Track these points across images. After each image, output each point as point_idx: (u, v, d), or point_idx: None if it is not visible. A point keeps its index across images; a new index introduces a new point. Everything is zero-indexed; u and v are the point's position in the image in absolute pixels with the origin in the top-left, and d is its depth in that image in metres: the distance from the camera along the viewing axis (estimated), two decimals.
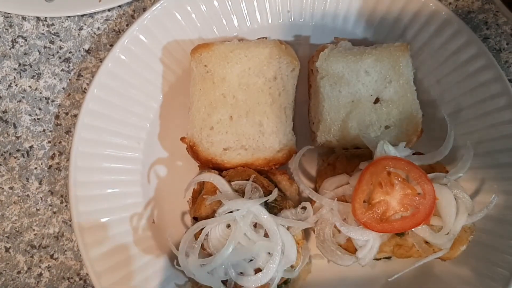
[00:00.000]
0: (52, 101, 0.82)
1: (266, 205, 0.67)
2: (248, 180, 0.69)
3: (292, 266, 0.68)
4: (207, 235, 0.66)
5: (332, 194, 0.69)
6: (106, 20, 0.83)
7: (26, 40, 0.83)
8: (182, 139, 0.73)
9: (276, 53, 0.74)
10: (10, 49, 0.83)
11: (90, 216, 0.72)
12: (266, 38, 0.76)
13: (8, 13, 0.82)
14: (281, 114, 0.73)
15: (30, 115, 0.81)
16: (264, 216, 0.65)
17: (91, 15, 0.83)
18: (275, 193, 0.67)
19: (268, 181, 0.72)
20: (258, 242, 0.64)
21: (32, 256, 0.78)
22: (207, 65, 0.73)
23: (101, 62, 0.75)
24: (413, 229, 0.65)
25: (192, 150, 0.72)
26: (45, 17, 0.83)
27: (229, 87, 0.73)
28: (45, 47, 0.83)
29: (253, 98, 0.73)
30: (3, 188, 0.80)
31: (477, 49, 0.74)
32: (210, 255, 0.66)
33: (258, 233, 0.65)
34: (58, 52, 0.83)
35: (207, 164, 0.73)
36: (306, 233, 0.74)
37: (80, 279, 0.78)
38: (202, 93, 0.73)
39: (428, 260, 0.67)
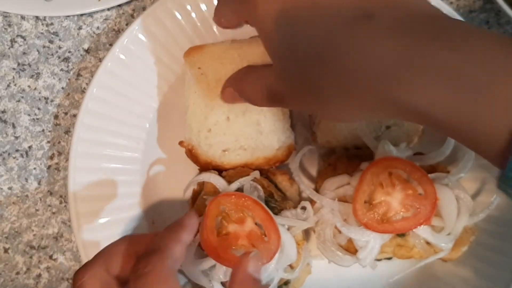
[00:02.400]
0: (51, 101, 0.81)
1: (267, 205, 0.66)
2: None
3: (292, 267, 0.68)
4: None
5: (332, 195, 0.68)
6: (105, 19, 0.83)
7: (25, 40, 0.82)
8: (181, 143, 0.72)
9: None
10: (9, 48, 0.82)
11: (89, 216, 0.72)
12: (258, 36, 0.76)
13: (7, 12, 0.82)
14: (277, 111, 0.72)
15: (29, 115, 0.81)
16: None
17: (90, 15, 0.83)
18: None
19: (268, 181, 0.71)
20: None
21: (31, 257, 0.78)
22: (201, 67, 0.72)
23: (100, 61, 0.74)
24: (414, 230, 0.64)
25: (191, 154, 0.72)
26: (44, 17, 0.83)
27: None
28: (44, 47, 0.82)
29: None
30: (2, 189, 0.79)
31: None
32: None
33: None
34: (57, 51, 0.82)
35: (207, 167, 0.72)
36: (306, 234, 0.74)
37: None
38: (197, 95, 0.72)
39: (429, 261, 0.67)
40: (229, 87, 0.63)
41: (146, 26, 0.75)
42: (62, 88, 0.82)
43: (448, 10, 0.75)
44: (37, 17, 0.83)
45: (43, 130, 0.81)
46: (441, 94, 0.37)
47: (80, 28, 0.83)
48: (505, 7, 0.76)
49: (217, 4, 0.56)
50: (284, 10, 0.44)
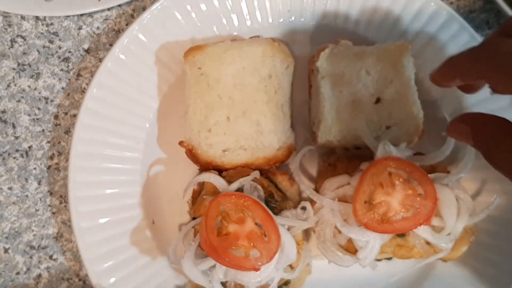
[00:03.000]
0: (51, 101, 0.81)
1: (267, 205, 0.66)
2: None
3: (292, 267, 0.68)
4: None
5: (332, 195, 0.68)
6: (105, 19, 0.83)
7: (25, 40, 0.82)
8: (181, 143, 0.72)
9: (269, 51, 0.73)
10: (9, 48, 0.82)
11: (89, 216, 0.72)
12: (258, 36, 0.76)
13: (7, 13, 0.82)
14: (278, 112, 0.73)
15: (29, 115, 0.81)
16: None
17: (90, 15, 0.83)
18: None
19: (268, 181, 0.71)
20: None
21: (31, 257, 0.78)
22: (201, 67, 0.73)
23: (100, 61, 0.75)
24: (414, 230, 0.64)
25: (191, 154, 0.72)
26: (44, 17, 0.83)
27: (225, 88, 0.73)
28: (44, 47, 0.82)
29: (249, 97, 0.72)
30: (2, 189, 0.79)
31: None
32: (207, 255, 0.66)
33: None
34: (57, 51, 0.82)
35: (207, 167, 0.73)
36: (306, 234, 0.74)
37: (80, 280, 0.78)
38: (197, 95, 0.72)
39: (429, 261, 0.67)
40: (466, 126, 0.50)
41: (146, 26, 0.75)
42: (62, 88, 0.82)
43: (448, 10, 0.75)
44: (37, 17, 0.83)
45: (43, 130, 0.81)
46: None
47: (80, 28, 0.83)
48: (505, 7, 0.76)
49: (458, 65, 0.45)
50: None
